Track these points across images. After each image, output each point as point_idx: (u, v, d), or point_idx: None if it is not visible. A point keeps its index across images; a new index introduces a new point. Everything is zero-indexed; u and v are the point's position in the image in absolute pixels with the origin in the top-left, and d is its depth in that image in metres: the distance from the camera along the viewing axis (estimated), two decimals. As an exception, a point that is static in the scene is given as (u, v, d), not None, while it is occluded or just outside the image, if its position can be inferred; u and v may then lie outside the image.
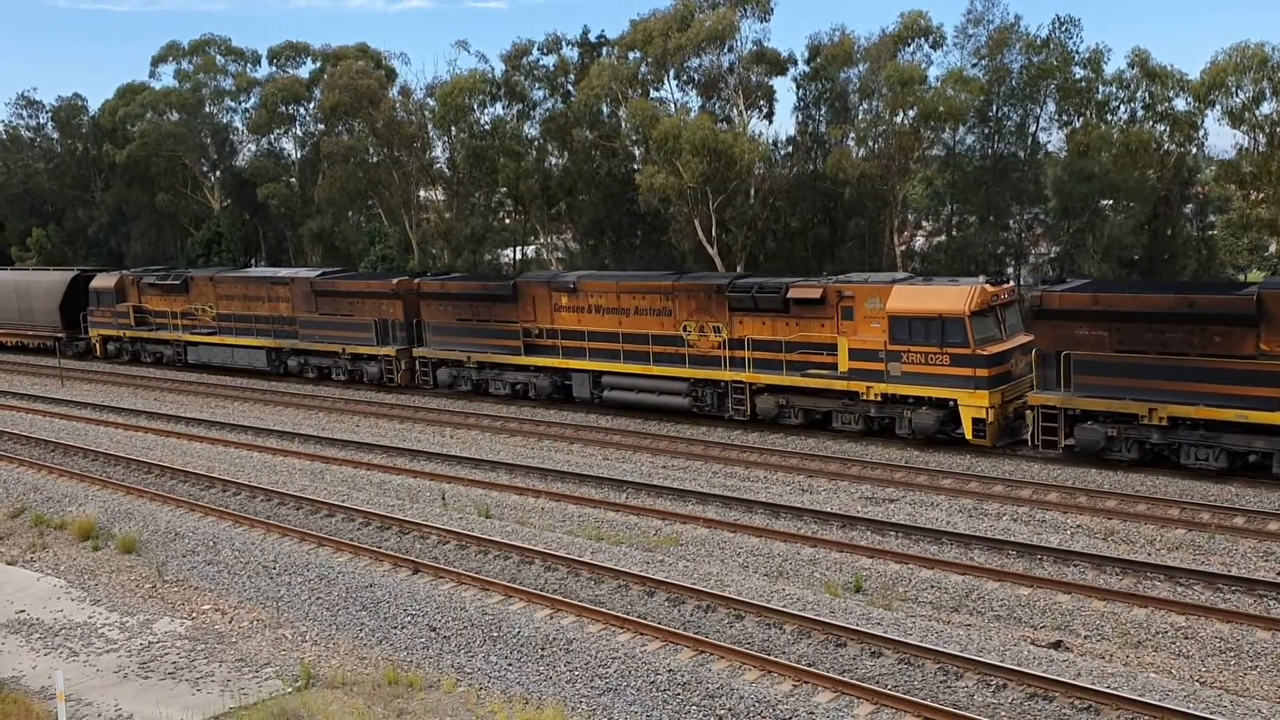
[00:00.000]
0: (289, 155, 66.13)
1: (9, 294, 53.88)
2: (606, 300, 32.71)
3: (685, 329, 30.92)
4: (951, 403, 26.26)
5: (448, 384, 37.10)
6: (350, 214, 61.36)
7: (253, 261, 65.48)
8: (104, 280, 49.53)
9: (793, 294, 28.73)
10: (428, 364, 37.67)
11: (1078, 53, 41.53)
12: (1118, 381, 23.92)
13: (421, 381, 38.00)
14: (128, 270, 50.96)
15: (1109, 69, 40.96)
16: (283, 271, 44.25)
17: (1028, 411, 25.64)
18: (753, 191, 45.35)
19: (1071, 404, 24.57)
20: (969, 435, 26.07)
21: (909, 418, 27.04)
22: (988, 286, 26.49)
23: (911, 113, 41.62)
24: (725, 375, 30.25)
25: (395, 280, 38.53)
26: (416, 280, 38.13)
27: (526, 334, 34.58)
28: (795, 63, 46.96)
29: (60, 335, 51.36)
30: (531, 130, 53.85)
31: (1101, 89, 41.28)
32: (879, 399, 27.42)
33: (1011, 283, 28.45)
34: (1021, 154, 44.55)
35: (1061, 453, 25.10)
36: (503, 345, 35.28)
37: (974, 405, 25.86)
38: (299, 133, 64.31)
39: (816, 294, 28.32)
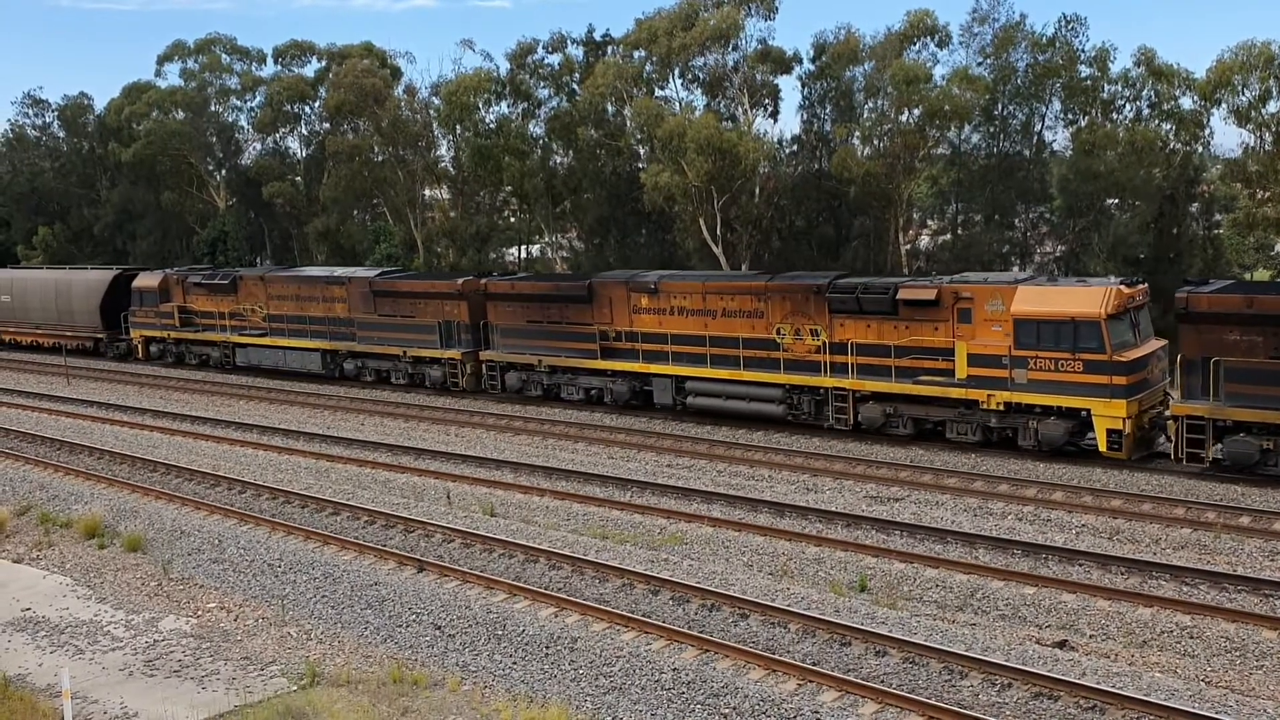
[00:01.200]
0: (294, 154, 66.26)
1: (48, 293, 52.42)
2: (691, 301, 31.02)
3: (779, 332, 29.22)
4: (1084, 413, 24.47)
5: (517, 388, 35.36)
6: (355, 213, 61.48)
7: (257, 260, 65.57)
8: (147, 279, 47.79)
9: (903, 295, 26.82)
10: (495, 368, 35.94)
11: (1083, 51, 41.49)
12: (1274, 390, 22.15)
13: (489, 386, 36.28)
14: (172, 269, 49.37)
15: (1115, 68, 40.93)
16: (339, 271, 42.39)
17: (1169, 422, 24.26)
18: (758, 190, 45.35)
19: (1221, 414, 22.73)
20: (1103, 448, 24.37)
21: (1034, 428, 25.27)
22: (1123, 288, 24.69)
23: (917, 111, 41.59)
24: (825, 381, 28.43)
25: (461, 280, 36.85)
26: (483, 280, 36.50)
27: (603, 337, 32.81)
28: (800, 61, 46.99)
29: (100, 336, 50.20)
30: (536, 129, 53.93)
31: (1107, 88, 41.23)
32: (1001, 408, 25.59)
33: (1145, 284, 26.42)
34: (1027, 153, 44.52)
35: (1209, 467, 23.42)
36: (577, 348, 33.50)
37: (1110, 415, 24.06)
38: (304, 132, 64.49)
39: (930, 295, 26.40)
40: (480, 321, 36.25)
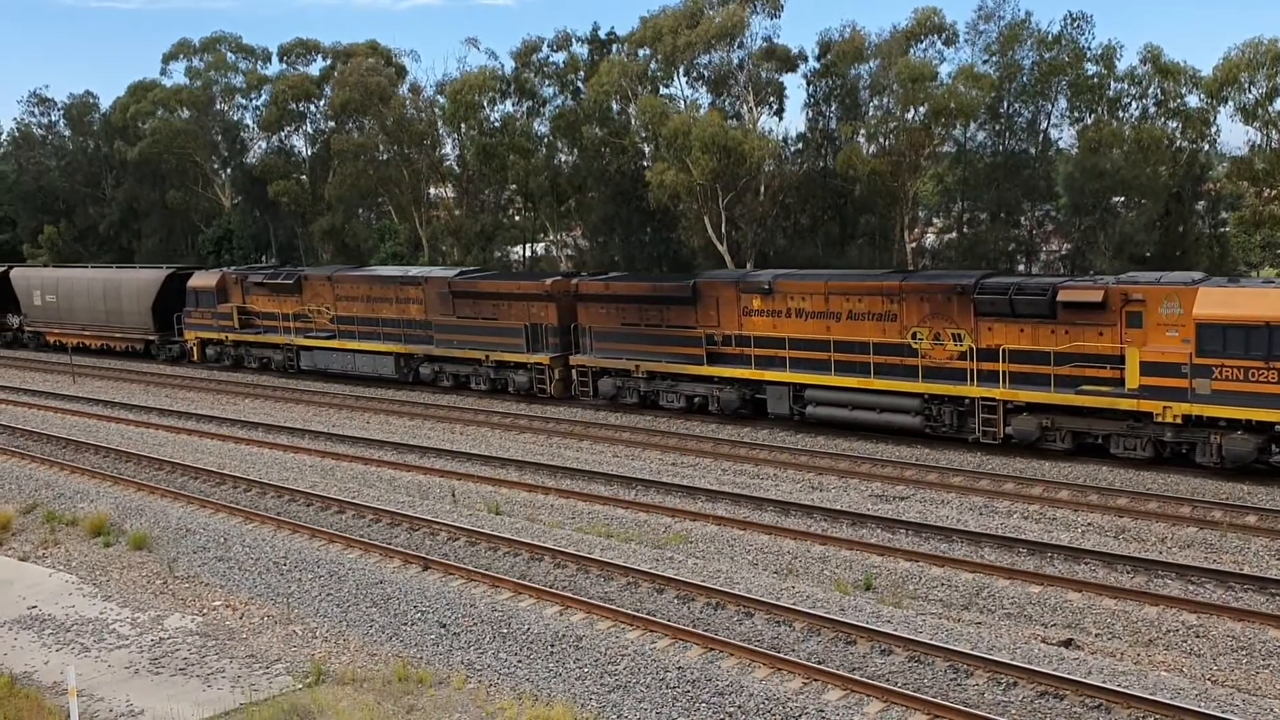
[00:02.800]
0: (299, 152, 66.32)
1: (96, 293, 50.03)
2: (811, 303, 28.74)
3: (915, 336, 26.93)
4: (1278, 427, 22.31)
5: (610, 395, 33.06)
6: (360, 211, 61.54)
7: (263, 259, 65.64)
8: (203, 279, 45.44)
9: (1064, 296, 24.53)
10: (586, 373, 33.70)
11: (1089, 49, 41.43)
12: None
13: (579, 392, 34.04)
14: (230, 268, 47.17)
15: (1121, 65, 40.87)
16: (413, 270, 40.21)
17: None
18: (763, 188, 45.32)
19: None
20: None
21: (1217, 444, 23.03)
22: None
23: (922, 109, 41.55)
24: (971, 391, 26.09)
25: (549, 280, 34.73)
26: (574, 280, 34.27)
27: (709, 341, 30.59)
28: (806, 59, 46.94)
29: (151, 338, 48.19)
30: (541, 127, 53.94)
31: (1113, 85, 41.16)
32: (1178, 421, 23.33)
33: None
34: (1033, 150, 44.45)
35: None
36: (679, 353, 31.31)
37: None
38: (309, 130, 64.52)
39: (1096, 297, 24.13)
40: (570, 324, 34.12)
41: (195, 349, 46.00)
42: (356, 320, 39.80)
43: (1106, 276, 26.29)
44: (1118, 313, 24.18)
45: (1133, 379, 23.84)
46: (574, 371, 34.10)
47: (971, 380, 26.21)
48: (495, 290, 36.01)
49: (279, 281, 42.19)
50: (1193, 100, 39.63)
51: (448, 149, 58.17)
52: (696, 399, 31.54)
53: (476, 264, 51.59)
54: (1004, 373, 25.67)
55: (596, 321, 33.46)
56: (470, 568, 19.52)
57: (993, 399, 25.88)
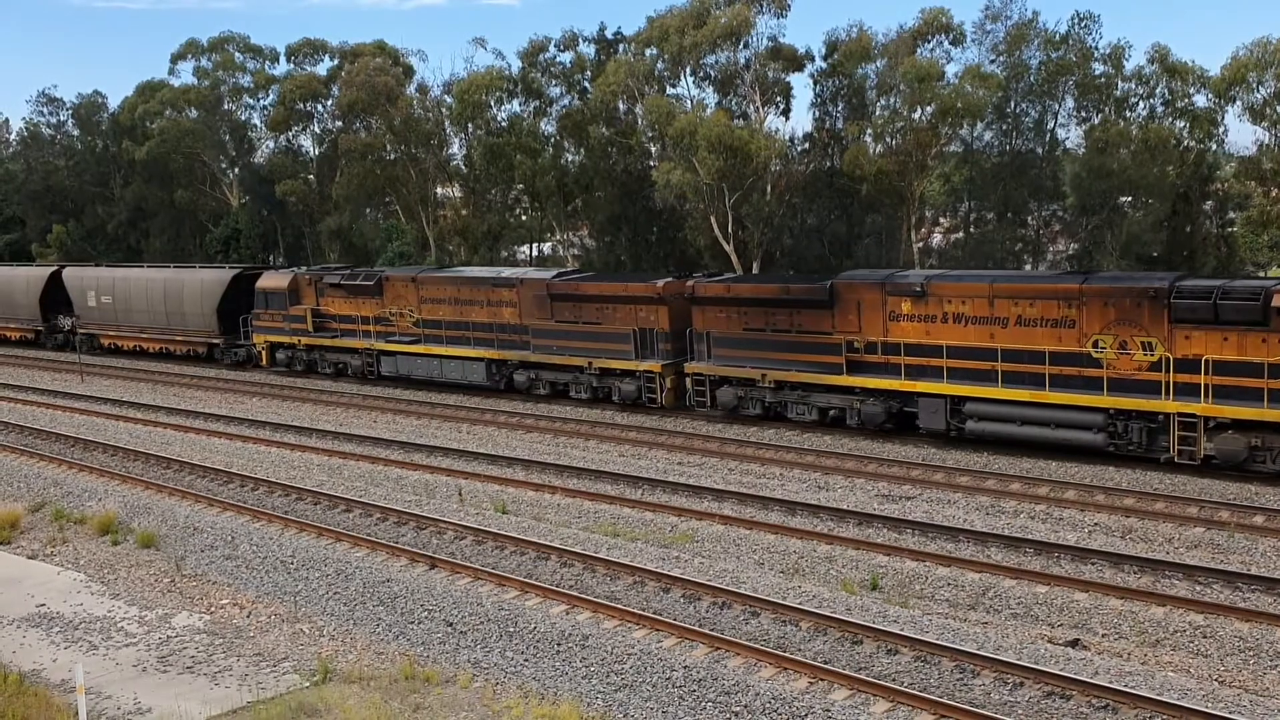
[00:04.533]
0: (307, 152, 66.49)
1: (155, 294, 47.36)
2: (972, 307, 26.17)
3: (1096, 344, 24.45)
4: None
5: (731, 406, 30.49)
6: (368, 211, 61.68)
7: (270, 259, 65.77)
8: (274, 280, 42.90)
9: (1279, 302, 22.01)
10: (703, 382, 31.15)
11: (1097, 49, 41.39)
12: None
13: (695, 403, 31.46)
14: (303, 268, 44.79)
15: (1129, 65, 40.82)
16: (507, 271, 37.99)
17: None
18: (769, 188, 45.31)
19: None
20: None
21: None
22: None
23: (929, 109, 41.54)
24: (1166, 406, 23.58)
25: (661, 282, 32.27)
26: (690, 282, 31.68)
27: (850, 348, 28.07)
28: (812, 59, 46.93)
29: (216, 341, 45.64)
30: (548, 127, 54.01)
31: (1121, 85, 41.13)
32: None
33: None
34: (1040, 150, 44.41)
35: None
36: (813, 362, 28.69)
37: None
38: (317, 130, 64.68)
39: None
40: (685, 329, 31.69)
41: (264, 353, 43.62)
42: (444, 324, 37.32)
43: None
44: None
45: None
46: (689, 380, 31.64)
47: (1166, 394, 23.60)
48: (599, 292, 33.61)
49: (358, 283, 39.83)
50: (1200, 100, 39.61)
51: (455, 149, 58.36)
52: (832, 411, 28.84)
53: (482, 263, 51.65)
54: (1205, 386, 23.08)
55: (715, 326, 30.79)
56: (477, 566, 19.55)
57: (1192, 415, 23.32)
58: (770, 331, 29.69)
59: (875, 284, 27.94)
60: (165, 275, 47.94)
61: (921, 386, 27.00)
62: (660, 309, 32.12)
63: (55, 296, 53.12)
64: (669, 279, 32.79)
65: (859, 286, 28.22)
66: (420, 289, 38.20)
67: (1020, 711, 13.88)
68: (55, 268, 54.69)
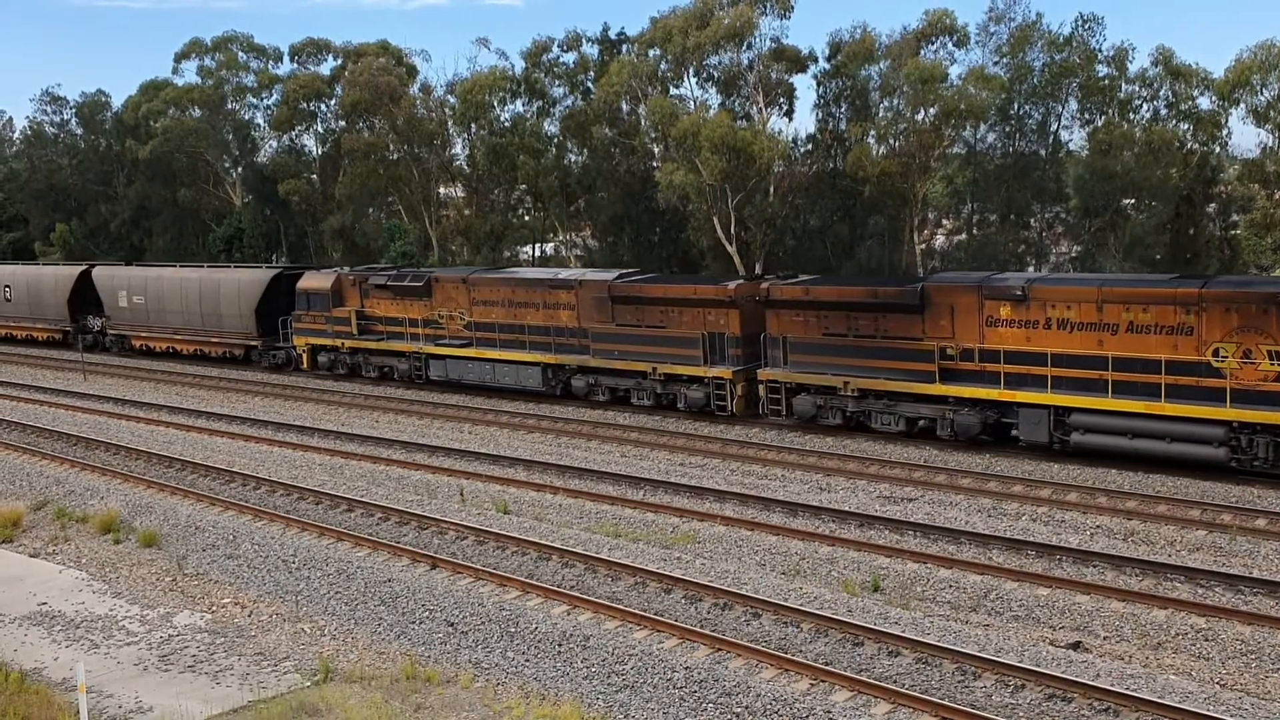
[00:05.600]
0: (310, 152, 66.59)
1: (191, 295, 45.94)
2: (1079, 312, 24.75)
3: (1217, 353, 23.09)
4: None
5: (809, 415, 28.97)
6: (370, 210, 61.73)
7: (274, 257, 65.83)
8: (316, 280, 41.40)
9: None
10: (778, 389, 29.58)
11: (1101, 51, 41.36)
12: None
13: (769, 411, 29.89)
14: (347, 269, 43.36)
15: (1132, 67, 40.80)
16: (564, 272, 36.33)
17: None
18: (772, 189, 45.32)
19: None
20: None
21: None
22: None
23: (933, 110, 41.54)
24: None
25: (733, 284, 30.95)
26: (764, 284, 30.38)
27: (943, 355, 26.65)
28: (816, 60, 46.96)
29: (254, 343, 44.27)
30: (551, 127, 54.09)
31: (1124, 87, 41.12)
32: None
33: None
34: (1043, 152, 44.40)
35: None
36: (901, 369, 27.28)
37: None
38: (320, 129, 64.81)
39: None
40: (757, 334, 30.24)
41: (305, 356, 42.06)
42: (497, 327, 35.89)
43: None
44: None
45: None
46: (761, 388, 30.01)
47: None
48: (665, 294, 32.16)
49: (405, 284, 38.38)
50: (1204, 102, 39.62)
51: (458, 149, 58.46)
52: (921, 422, 27.44)
53: (486, 263, 51.59)
54: None
55: (792, 331, 29.27)
56: (478, 566, 19.56)
57: None
58: (853, 336, 28.24)
59: (971, 287, 26.53)
60: (201, 275, 46.55)
61: (1023, 396, 25.40)
62: (731, 312, 30.70)
63: (84, 296, 51.75)
64: (740, 281, 31.61)
65: (953, 290, 26.82)
66: (472, 290, 36.83)
67: (1021, 714, 13.87)
68: (84, 267, 53.24)
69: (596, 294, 33.52)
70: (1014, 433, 25.92)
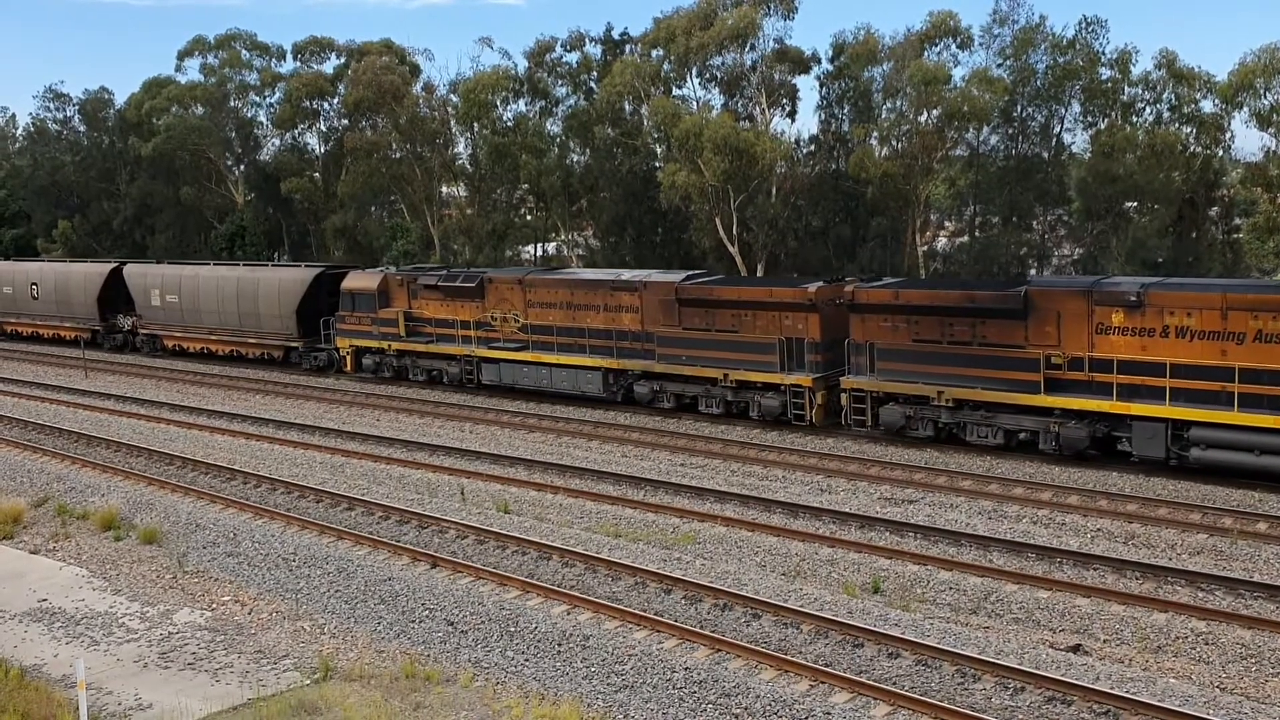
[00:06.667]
0: (313, 150, 66.65)
1: (228, 294, 44.56)
2: (1200, 320, 23.16)
3: None
4: None
5: (897, 426, 27.46)
6: (373, 209, 61.79)
7: (275, 256, 65.86)
8: (361, 280, 39.89)
9: None
10: (863, 398, 28.14)
11: (1104, 53, 41.38)
12: None
13: (852, 421, 28.39)
14: (394, 269, 42.45)
15: (1135, 70, 40.83)
16: (627, 274, 34.54)
17: None
18: (774, 190, 45.37)
19: None
20: None
21: None
22: None
23: (935, 112, 41.54)
24: None
25: (813, 287, 29.30)
26: (849, 287, 28.88)
27: (1048, 364, 25.04)
28: (819, 61, 47.03)
29: (294, 345, 42.81)
30: (554, 127, 54.19)
31: (1127, 90, 41.15)
32: None
33: None
34: (1045, 155, 44.44)
35: None
36: (1001, 378, 25.64)
37: None
38: (323, 128, 64.88)
39: None
40: (839, 339, 28.81)
41: (349, 359, 40.49)
42: (555, 330, 34.38)
43: None
44: None
45: None
46: (845, 396, 28.46)
47: None
48: (738, 297, 30.70)
49: (457, 284, 36.92)
50: (1207, 106, 39.67)
51: (460, 148, 58.53)
52: (1022, 434, 25.89)
53: (488, 263, 51.61)
54: None
55: (879, 336, 27.72)
56: (478, 566, 19.56)
57: None
58: (947, 344, 26.63)
59: (1080, 292, 24.90)
60: (239, 274, 45.13)
61: (1138, 409, 23.84)
62: (811, 316, 29.16)
63: (114, 295, 50.33)
64: (820, 283, 29.89)
65: (1059, 294, 25.20)
66: (527, 291, 35.24)
67: (1021, 716, 13.86)
68: (115, 264, 51.65)
69: (663, 296, 32.07)
70: (1124, 447, 24.42)
